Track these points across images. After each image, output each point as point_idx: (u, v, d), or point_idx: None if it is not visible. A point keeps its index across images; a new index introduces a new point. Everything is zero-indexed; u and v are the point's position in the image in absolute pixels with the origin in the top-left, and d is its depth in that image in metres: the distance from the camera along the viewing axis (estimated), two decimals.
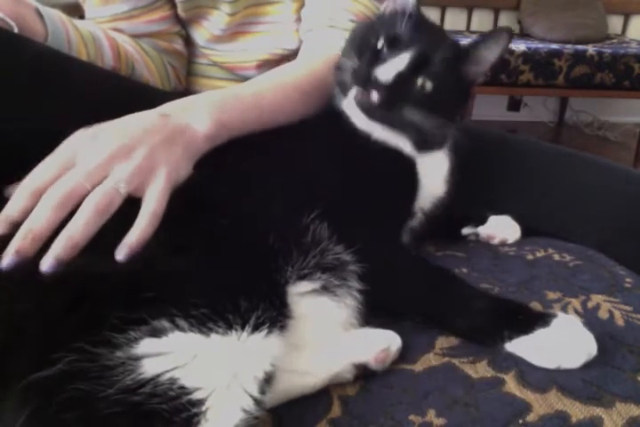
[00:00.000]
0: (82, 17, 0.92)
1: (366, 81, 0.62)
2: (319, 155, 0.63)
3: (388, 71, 0.62)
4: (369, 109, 0.64)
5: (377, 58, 0.64)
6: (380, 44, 0.65)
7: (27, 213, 0.49)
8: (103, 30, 0.87)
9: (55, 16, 0.77)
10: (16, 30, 0.68)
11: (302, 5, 0.89)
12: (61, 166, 0.52)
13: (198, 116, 0.61)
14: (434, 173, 0.72)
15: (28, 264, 0.46)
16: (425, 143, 0.69)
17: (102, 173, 0.52)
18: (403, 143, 0.68)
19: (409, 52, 0.63)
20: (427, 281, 0.60)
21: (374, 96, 0.62)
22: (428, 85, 0.63)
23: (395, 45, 0.64)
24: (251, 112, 0.66)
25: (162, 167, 0.54)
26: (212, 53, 0.96)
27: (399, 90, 0.62)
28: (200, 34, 0.95)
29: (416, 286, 0.59)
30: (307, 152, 0.63)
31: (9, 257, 0.46)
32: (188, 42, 0.99)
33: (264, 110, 0.68)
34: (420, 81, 0.63)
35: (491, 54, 0.66)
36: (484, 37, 0.66)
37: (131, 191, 0.52)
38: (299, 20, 0.90)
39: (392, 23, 0.65)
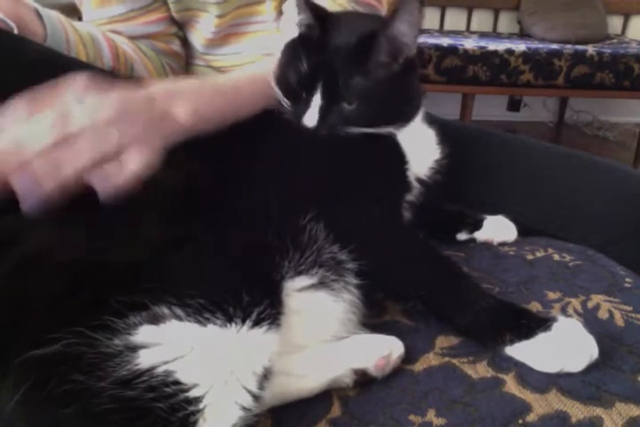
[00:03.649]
0: (80, 18, 0.93)
1: (299, 123, 0.64)
2: (300, 150, 0.64)
3: (309, 117, 0.63)
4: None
5: (298, 103, 0.65)
6: (294, 87, 0.65)
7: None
8: (101, 31, 0.87)
9: (54, 17, 0.77)
10: (16, 31, 0.68)
11: (280, 3, 0.89)
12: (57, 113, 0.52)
13: (180, 106, 0.61)
14: (419, 138, 0.72)
15: (34, 249, 0.47)
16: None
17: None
18: None
19: (318, 90, 0.63)
20: (428, 264, 0.60)
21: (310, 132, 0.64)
22: (354, 104, 0.63)
23: (306, 86, 0.64)
24: (229, 107, 0.67)
25: (137, 149, 0.55)
26: (210, 59, 0.97)
27: (329, 123, 0.63)
28: (196, 37, 0.96)
29: (416, 266, 0.60)
30: (292, 149, 0.64)
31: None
32: (186, 44, 0.99)
33: (242, 106, 0.68)
34: (344, 105, 0.63)
35: (409, 25, 0.62)
36: (394, 12, 0.62)
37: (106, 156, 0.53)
38: (277, 17, 0.90)
39: (299, 56, 0.65)
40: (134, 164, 0.54)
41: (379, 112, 0.65)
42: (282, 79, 0.68)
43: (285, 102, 0.67)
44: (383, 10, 0.89)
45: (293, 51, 0.68)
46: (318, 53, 0.64)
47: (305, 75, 0.64)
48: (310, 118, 0.63)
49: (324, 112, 0.63)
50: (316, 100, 0.63)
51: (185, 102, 0.62)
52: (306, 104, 0.64)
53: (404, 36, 0.63)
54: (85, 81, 0.55)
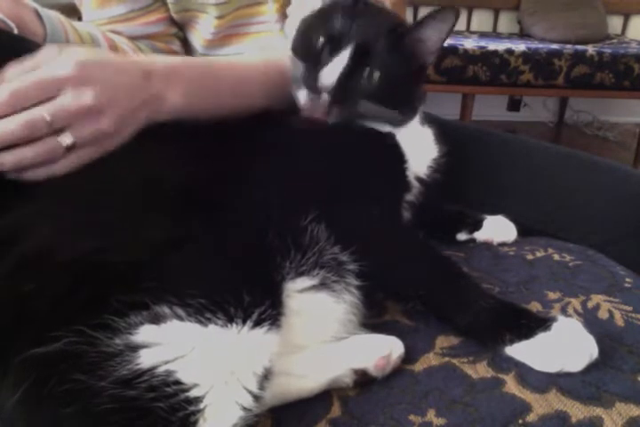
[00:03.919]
0: (80, 18, 0.93)
1: (313, 85, 0.63)
2: (300, 150, 0.64)
3: (330, 73, 0.62)
4: (322, 112, 0.64)
5: (319, 59, 0.64)
6: (320, 43, 0.65)
7: None
8: (101, 31, 0.87)
9: (54, 17, 0.77)
10: (16, 31, 0.68)
11: (283, 5, 0.89)
12: (48, 88, 0.53)
13: (175, 90, 0.61)
14: (417, 138, 0.72)
15: (34, 249, 0.47)
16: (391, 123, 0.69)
17: (68, 121, 0.54)
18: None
19: (348, 49, 0.63)
20: (428, 264, 0.60)
21: (324, 98, 0.63)
22: (376, 75, 0.63)
23: (334, 43, 0.63)
24: (226, 99, 0.67)
25: (118, 137, 0.57)
26: None
27: (347, 87, 0.63)
28: (195, 38, 0.96)
29: (416, 266, 0.60)
30: (292, 148, 0.64)
31: None
32: (186, 44, 0.99)
33: (241, 101, 0.68)
34: (366, 73, 0.63)
35: (438, 34, 0.65)
36: (430, 17, 0.64)
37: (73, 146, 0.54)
38: (280, 19, 0.91)
39: (330, 18, 0.65)
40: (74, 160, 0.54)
41: (395, 94, 0.66)
42: (305, 38, 0.67)
43: (300, 66, 0.66)
44: None
45: (324, 13, 0.67)
46: (353, 18, 0.64)
47: (340, 27, 0.63)
48: (329, 75, 0.62)
49: (346, 73, 0.62)
50: (341, 60, 0.62)
51: (182, 88, 0.61)
52: (326, 63, 0.63)
53: (428, 41, 0.65)
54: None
